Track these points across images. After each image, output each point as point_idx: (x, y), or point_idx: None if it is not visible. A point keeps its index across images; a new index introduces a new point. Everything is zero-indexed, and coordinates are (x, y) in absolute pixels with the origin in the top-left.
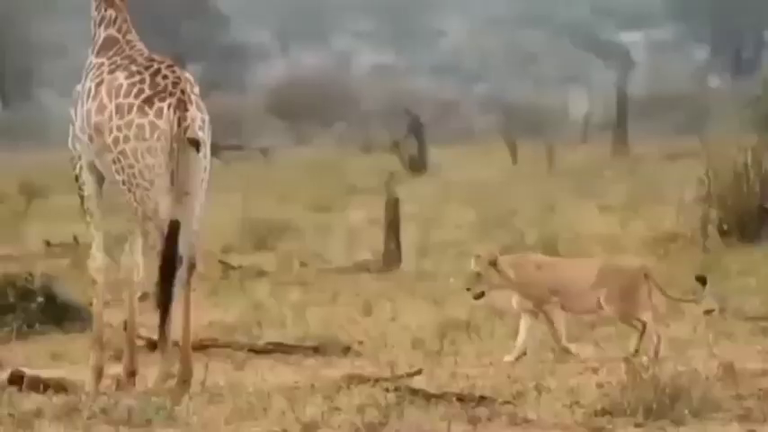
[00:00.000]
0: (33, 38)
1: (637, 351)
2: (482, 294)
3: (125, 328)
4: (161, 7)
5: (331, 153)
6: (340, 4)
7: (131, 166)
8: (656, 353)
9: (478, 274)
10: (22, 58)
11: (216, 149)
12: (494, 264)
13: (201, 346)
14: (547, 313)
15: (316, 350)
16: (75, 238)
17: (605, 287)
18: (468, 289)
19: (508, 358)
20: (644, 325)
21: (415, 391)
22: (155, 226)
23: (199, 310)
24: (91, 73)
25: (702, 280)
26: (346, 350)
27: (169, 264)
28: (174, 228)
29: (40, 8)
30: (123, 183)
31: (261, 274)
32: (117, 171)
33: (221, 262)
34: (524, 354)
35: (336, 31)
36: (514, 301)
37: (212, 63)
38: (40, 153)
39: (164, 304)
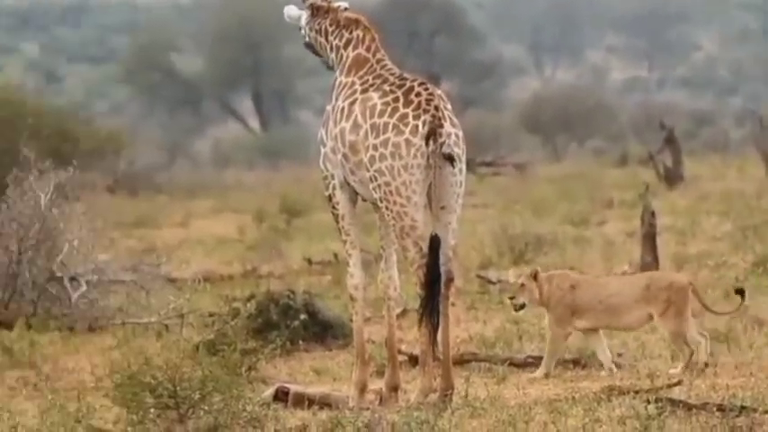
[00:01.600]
0: (289, 59)
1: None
2: (523, 306)
3: (386, 344)
4: (415, 26)
5: (586, 167)
6: (593, 19)
7: (388, 184)
8: (687, 365)
9: (522, 286)
10: (279, 79)
11: (471, 165)
12: (534, 277)
13: (462, 361)
14: (552, 333)
15: (576, 363)
16: (336, 256)
17: (655, 303)
18: (510, 298)
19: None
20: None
21: (675, 402)
22: (412, 242)
23: (459, 325)
24: (342, 92)
25: (741, 292)
26: None
27: (432, 278)
28: (435, 243)
29: (295, 29)
30: (380, 200)
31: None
32: (374, 189)
33: (479, 276)
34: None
35: (590, 46)
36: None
37: (467, 79)
38: (299, 172)
39: (430, 319)
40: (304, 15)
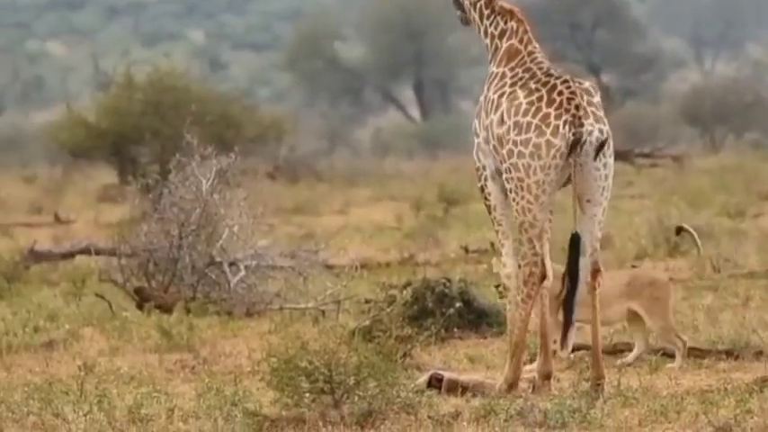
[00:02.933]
0: (452, 48)
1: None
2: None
3: (539, 333)
4: (577, 18)
5: (744, 159)
6: (755, 14)
7: (521, 180)
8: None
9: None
10: (441, 68)
11: (629, 156)
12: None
13: (615, 351)
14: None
15: (728, 354)
16: (492, 245)
17: (638, 299)
18: (496, 286)
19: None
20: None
21: None
22: (527, 239)
23: None
24: (493, 83)
25: (679, 231)
26: (759, 354)
27: (571, 275)
28: (576, 240)
29: (456, 19)
30: (509, 191)
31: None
32: (506, 180)
33: (634, 267)
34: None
35: (750, 40)
36: None
37: (627, 72)
38: (458, 161)
39: (564, 314)
40: None
